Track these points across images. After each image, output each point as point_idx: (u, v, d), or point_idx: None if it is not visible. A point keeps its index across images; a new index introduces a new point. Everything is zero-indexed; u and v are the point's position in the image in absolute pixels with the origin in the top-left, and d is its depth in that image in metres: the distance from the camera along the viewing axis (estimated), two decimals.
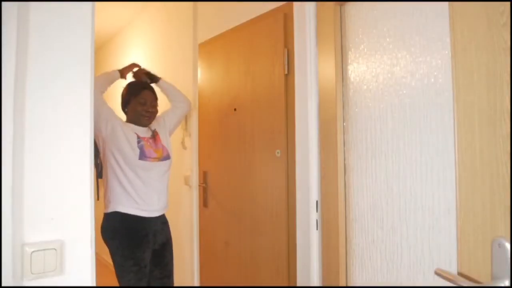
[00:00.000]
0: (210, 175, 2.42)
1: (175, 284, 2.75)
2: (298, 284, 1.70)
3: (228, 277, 2.22)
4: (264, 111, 1.95)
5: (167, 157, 2.08)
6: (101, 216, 2.05)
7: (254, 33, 2.02)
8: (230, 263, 2.21)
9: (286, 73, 1.81)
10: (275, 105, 1.87)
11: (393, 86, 1.24)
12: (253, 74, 2.03)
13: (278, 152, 1.85)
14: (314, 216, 1.56)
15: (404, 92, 1.19)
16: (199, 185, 2.52)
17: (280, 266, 1.83)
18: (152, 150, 2.01)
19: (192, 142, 2.59)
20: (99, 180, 3.56)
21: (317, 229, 1.56)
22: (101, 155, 1.99)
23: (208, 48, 2.44)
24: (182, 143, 2.70)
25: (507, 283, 0.80)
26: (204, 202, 2.47)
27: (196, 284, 2.54)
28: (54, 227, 0.96)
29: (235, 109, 2.17)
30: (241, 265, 2.11)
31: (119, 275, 1.93)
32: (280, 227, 1.84)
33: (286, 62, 1.82)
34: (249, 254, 2.05)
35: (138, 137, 1.98)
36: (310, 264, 1.58)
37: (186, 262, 2.65)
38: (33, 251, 0.92)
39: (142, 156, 1.94)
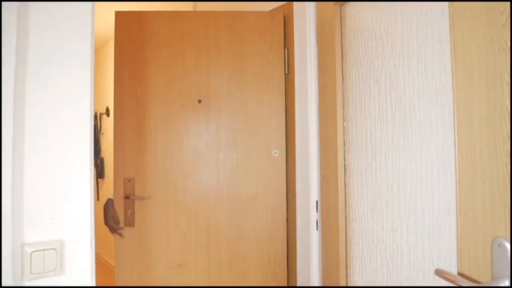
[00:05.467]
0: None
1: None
2: (298, 284, 1.69)
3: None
4: (255, 111, 1.92)
5: None
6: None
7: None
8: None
9: (286, 73, 1.81)
10: (276, 105, 1.87)
11: (393, 86, 1.24)
12: (242, 68, 2.01)
13: (275, 152, 1.85)
14: (314, 216, 1.56)
15: (404, 92, 1.20)
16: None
17: (280, 266, 1.83)
18: None
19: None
20: (99, 180, 3.55)
21: (317, 229, 1.56)
22: None
23: None
24: None
25: (507, 283, 0.80)
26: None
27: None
28: (54, 227, 0.96)
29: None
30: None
31: None
32: (280, 227, 1.83)
33: (286, 62, 1.81)
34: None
35: None
36: (310, 264, 1.58)
37: None
38: (33, 251, 0.92)
39: None
